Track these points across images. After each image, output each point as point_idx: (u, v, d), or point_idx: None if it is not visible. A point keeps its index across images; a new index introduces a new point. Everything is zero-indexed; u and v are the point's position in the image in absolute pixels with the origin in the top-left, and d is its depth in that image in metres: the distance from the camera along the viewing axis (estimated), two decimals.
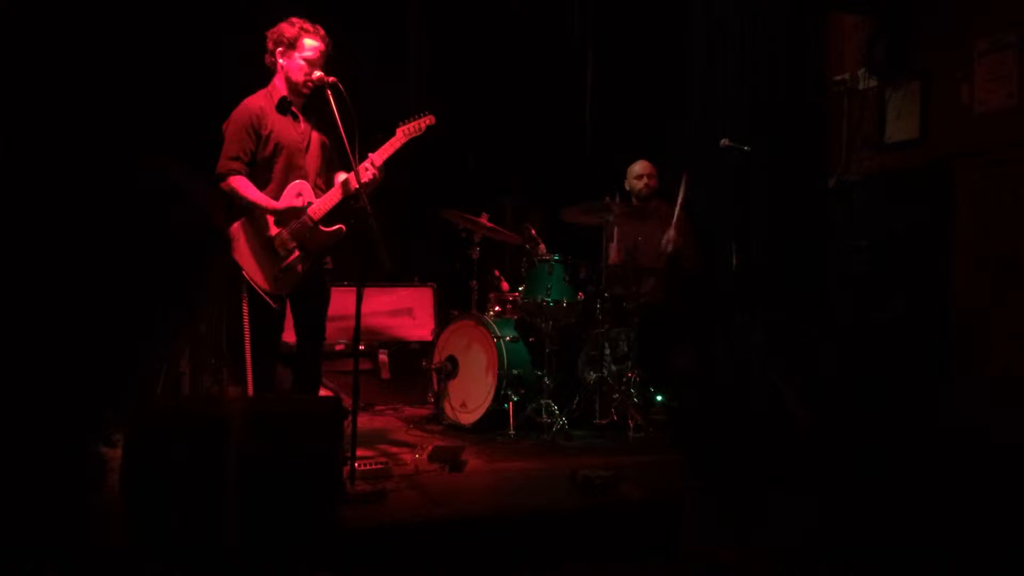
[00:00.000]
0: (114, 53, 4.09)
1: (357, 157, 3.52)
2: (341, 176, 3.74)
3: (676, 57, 6.18)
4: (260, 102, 3.70)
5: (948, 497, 3.12)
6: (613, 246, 5.07)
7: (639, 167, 5.46)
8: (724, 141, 4.87)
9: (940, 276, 4.61)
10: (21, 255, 3.53)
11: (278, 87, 3.73)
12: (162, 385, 4.42)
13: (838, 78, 5.37)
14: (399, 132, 3.78)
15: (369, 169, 3.65)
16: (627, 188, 5.47)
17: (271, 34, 3.71)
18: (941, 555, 2.87)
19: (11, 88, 3.61)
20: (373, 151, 3.72)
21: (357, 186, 3.50)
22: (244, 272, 3.66)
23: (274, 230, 3.68)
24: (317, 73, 3.63)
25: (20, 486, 2.85)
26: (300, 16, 3.73)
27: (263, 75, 3.80)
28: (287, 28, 3.67)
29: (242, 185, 3.61)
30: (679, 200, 5.14)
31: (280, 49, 3.68)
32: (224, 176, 3.62)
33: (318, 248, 3.72)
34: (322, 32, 3.70)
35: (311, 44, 3.66)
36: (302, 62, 3.65)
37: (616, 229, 5.14)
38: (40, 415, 3.18)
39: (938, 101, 4.78)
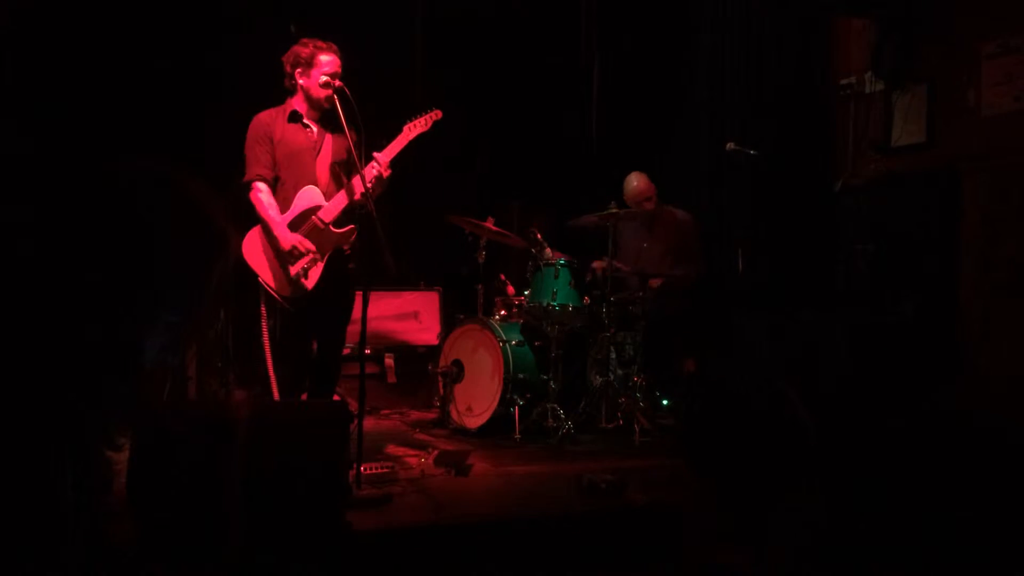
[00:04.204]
0: (120, 56, 4.10)
1: (363, 161, 3.56)
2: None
3: (682, 60, 6.19)
4: (272, 113, 3.80)
5: (952, 498, 3.11)
6: (614, 253, 5.04)
7: (636, 188, 5.30)
8: (730, 145, 4.87)
9: (947, 279, 4.60)
10: (27, 259, 3.54)
11: (293, 103, 3.80)
12: (168, 389, 4.43)
13: (844, 82, 5.37)
14: (405, 129, 3.84)
15: (375, 168, 3.69)
16: (625, 201, 5.35)
17: (286, 58, 3.78)
18: (944, 555, 2.86)
19: (10, 87, 3.62)
20: (379, 152, 3.77)
21: (364, 189, 3.54)
22: (259, 278, 3.69)
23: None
24: (324, 78, 3.68)
25: (28, 489, 2.86)
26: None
27: (264, 78, 3.84)
28: (301, 49, 3.75)
29: (263, 198, 3.69)
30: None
31: (299, 69, 3.75)
32: (249, 185, 3.71)
33: (331, 248, 3.75)
34: (335, 47, 3.77)
35: (327, 59, 3.74)
36: (324, 77, 3.70)
37: (620, 235, 5.15)
38: (46, 419, 3.19)
39: (945, 104, 4.77)
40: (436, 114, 3.88)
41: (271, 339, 3.75)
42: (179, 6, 4.51)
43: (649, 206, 5.32)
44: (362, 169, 3.56)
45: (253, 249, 3.73)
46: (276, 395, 3.74)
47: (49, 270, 3.59)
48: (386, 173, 3.73)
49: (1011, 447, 3.37)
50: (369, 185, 3.58)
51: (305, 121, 3.80)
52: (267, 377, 3.75)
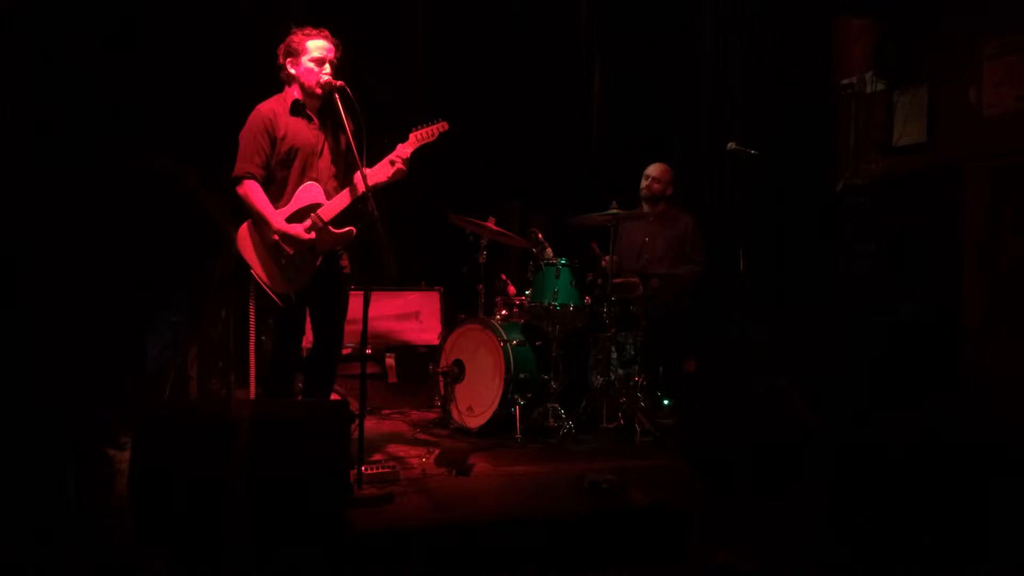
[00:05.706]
0: (124, 57, 4.11)
1: (364, 160, 3.55)
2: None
3: (683, 61, 6.18)
4: (273, 106, 3.75)
5: (951, 498, 3.11)
6: (614, 256, 5.04)
7: (649, 168, 5.47)
8: (731, 145, 4.87)
9: (948, 279, 4.60)
10: (28, 259, 3.55)
11: (291, 93, 3.77)
12: (170, 388, 4.43)
13: (846, 82, 5.37)
14: (412, 137, 3.82)
15: (387, 168, 3.70)
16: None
17: (280, 49, 3.77)
18: (943, 555, 2.86)
19: (14, 88, 3.63)
20: (382, 154, 3.76)
21: (364, 189, 3.53)
22: (252, 271, 3.68)
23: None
24: (325, 76, 3.67)
25: (30, 487, 2.86)
26: (304, 21, 3.79)
27: (272, 80, 3.83)
28: (292, 38, 3.74)
29: (254, 192, 3.66)
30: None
31: (290, 59, 3.75)
32: (239, 180, 3.67)
33: (327, 248, 3.74)
34: (327, 34, 3.75)
35: (316, 44, 3.72)
36: (310, 64, 3.70)
37: (621, 233, 5.14)
38: (48, 418, 3.20)
39: (946, 104, 4.77)
40: (442, 126, 3.86)
41: (257, 337, 3.75)
42: (179, 6, 4.52)
43: (655, 187, 5.37)
44: (363, 170, 3.55)
45: (246, 242, 3.72)
46: (252, 392, 3.72)
47: (50, 269, 3.60)
48: (403, 170, 3.73)
49: (1005, 447, 3.37)
50: (371, 183, 3.58)
51: (308, 113, 3.77)
52: (264, 376, 3.75)
